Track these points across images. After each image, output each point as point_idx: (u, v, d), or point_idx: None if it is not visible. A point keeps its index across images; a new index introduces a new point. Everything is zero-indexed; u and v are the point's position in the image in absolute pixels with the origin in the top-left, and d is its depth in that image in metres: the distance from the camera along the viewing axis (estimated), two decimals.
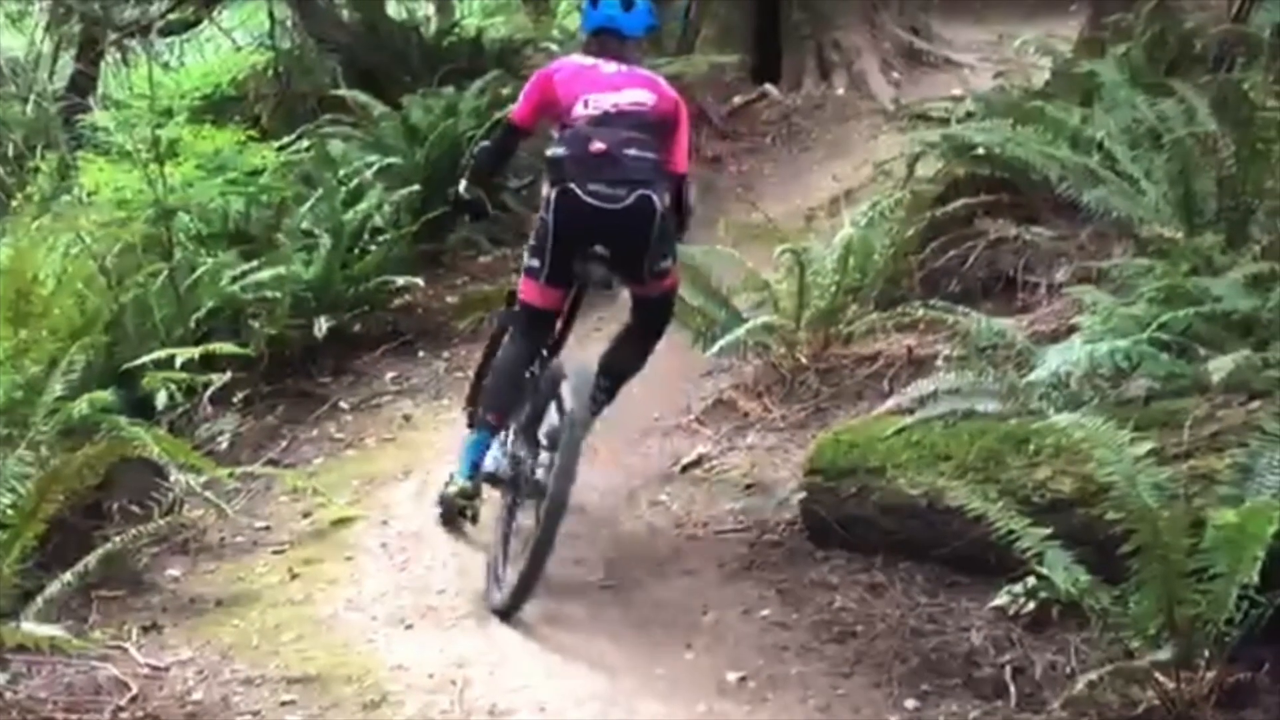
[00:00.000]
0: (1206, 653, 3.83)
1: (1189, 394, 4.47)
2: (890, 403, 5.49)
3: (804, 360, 6.51)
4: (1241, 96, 6.46)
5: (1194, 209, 5.95)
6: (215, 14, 13.41)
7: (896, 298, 6.63)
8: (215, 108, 9.31)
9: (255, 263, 7.58)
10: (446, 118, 9.37)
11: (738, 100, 11.05)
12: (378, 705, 4.49)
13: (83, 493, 5.33)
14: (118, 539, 5.24)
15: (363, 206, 8.27)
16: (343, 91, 10.29)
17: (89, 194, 8.33)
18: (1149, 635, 3.85)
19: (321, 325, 7.47)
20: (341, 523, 6.01)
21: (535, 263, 5.27)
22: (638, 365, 5.60)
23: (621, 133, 5.15)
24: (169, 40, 13.08)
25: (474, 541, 5.52)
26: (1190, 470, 4.08)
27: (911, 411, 5.06)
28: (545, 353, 5.46)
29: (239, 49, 12.18)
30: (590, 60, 5.46)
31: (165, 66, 11.21)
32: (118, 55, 12.67)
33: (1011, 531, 4.00)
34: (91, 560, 4.93)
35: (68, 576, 4.83)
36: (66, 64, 13.06)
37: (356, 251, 8.07)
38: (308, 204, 8.34)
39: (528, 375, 5.41)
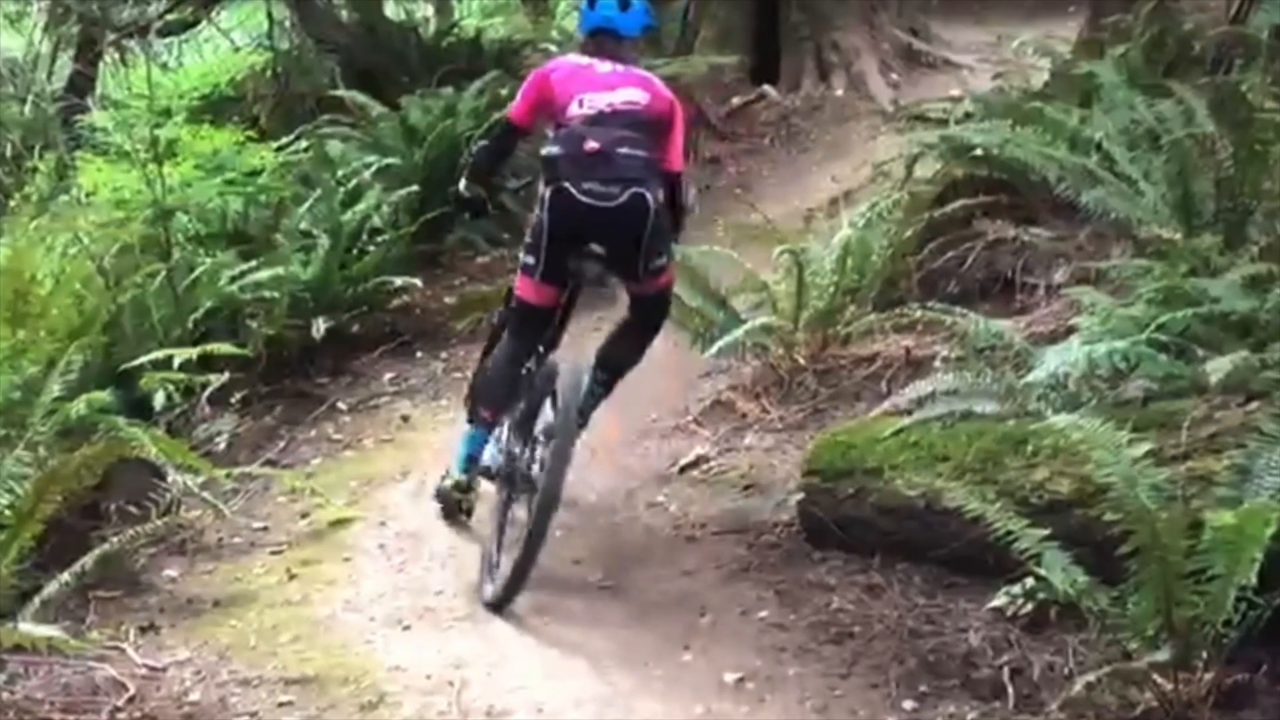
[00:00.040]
0: (1204, 654, 3.83)
1: (1187, 395, 4.47)
2: (888, 404, 5.50)
3: (802, 361, 6.51)
4: (1240, 98, 6.46)
5: (1192, 210, 5.95)
6: (213, 14, 13.43)
7: (895, 299, 6.64)
8: (214, 108, 9.29)
9: (253, 263, 7.58)
10: (445, 118, 9.38)
11: (736, 101, 11.06)
12: (375, 706, 4.49)
13: (80, 493, 5.31)
14: (115, 539, 5.22)
15: (361, 207, 8.27)
16: (341, 92, 10.30)
17: (87, 194, 8.33)
18: (1147, 636, 3.84)
19: (320, 326, 7.47)
20: (339, 523, 6.00)
21: (530, 260, 5.31)
22: (634, 360, 5.64)
23: (615, 132, 5.18)
24: (167, 41, 13.07)
25: (472, 542, 5.51)
26: (1188, 471, 4.08)
27: (909, 412, 5.06)
28: (541, 349, 5.48)
29: (237, 49, 12.17)
30: (587, 60, 5.49)
31: (164, 67, 11.17)
32: (116, 55, 12.65)
33: (1009, 532, 4.00)
34: (89, 561, 4.91)
35: (65, 577, 4.81)
36: (65, 64, 13.05)
37: (355, 252, 8.08)
38: (306, 204, 8.34)
39: (523, 372, 5.45)
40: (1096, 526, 3.99)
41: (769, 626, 4.78)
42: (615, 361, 5.62)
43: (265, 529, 6.07)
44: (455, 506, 5.59)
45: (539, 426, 5.25)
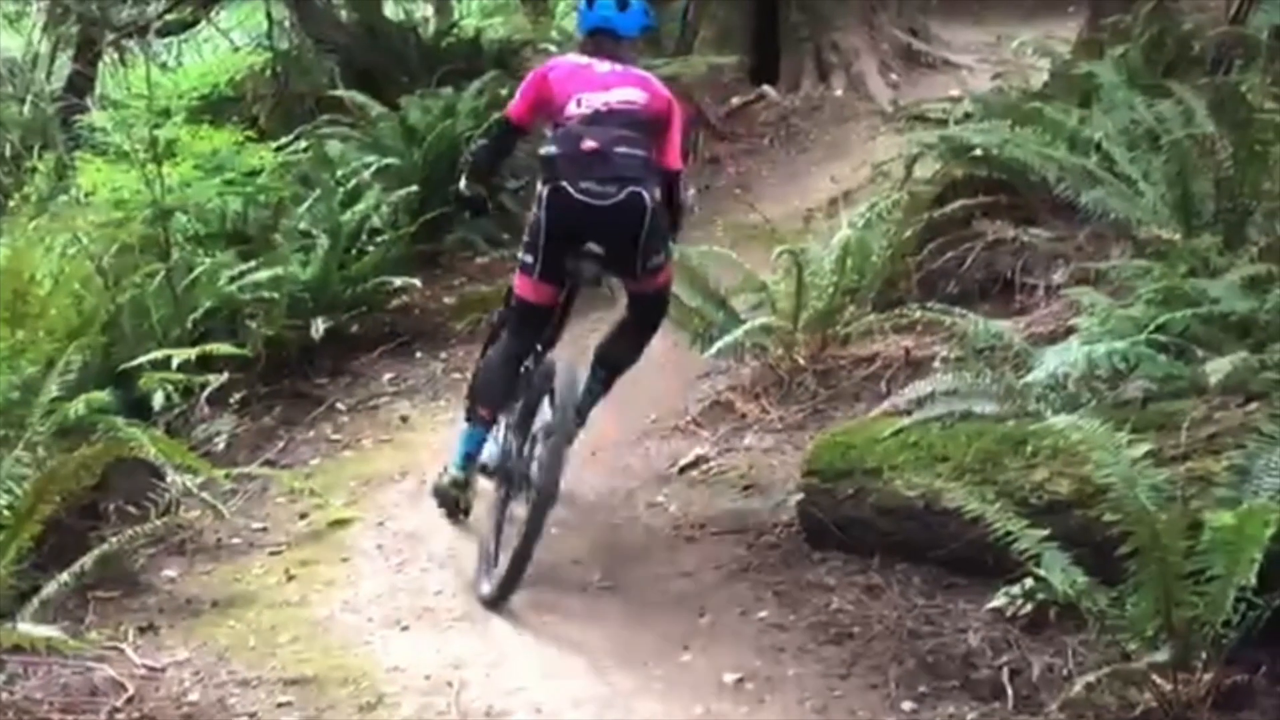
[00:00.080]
0: (1204, 655, 3.83)
1: (1186, 396, 4.47)
2: (887, 404, 5.50)
3: (801, 361, 6.51)
4: (1239, 98, 6.46)
5: (1192, 210, 5.95)
6: (213, 14, 13.42)
7: (894, 299, 6.64)
8: (213, 108, 9.28)
9: (253, 263, 7.58)
10: (444, 118, 9.38)
11: (736, 101, 11.06)
12: (374, 707, 4.49)
13: (79, 493, 5.31)
14: (114, 540, 5.22)
15: (360, 207, 8.27)
16: (340, 92, 10.30)
17: (86, 194, 8.33)
18: (1146, 637, 3.84)
19: (319, 326, 7.47)
20: (338, 524, 6.00)
21: (529, 259, 5.33)
22: (633, 358, 5.66)
23: (613, 131, 5.20)
24: (167, 41, 13.07)
25: (470, 542, 5.50)
26: (1187, 472, 4.08)
27: (909, 413, 5.06)
28: (540, 348, 5.50)
29: (237, 49, 12.16)
30: (585, 60, 5.51)
31: (163, 67, 11.17)
32: (115, 55, 12.64)
33: (1009, 533, 4.00)
34: (88, 561, 4.90)
35: (64, 577, 4.81)
36: (64, 64, 13.05)
37: (354, 252, 8.08)
38: (305, 204, 8.34)
39: (522, 370, 5.47)
40: (1096, 527, 3.98)
41: (768, 627, 4.77)
42: (614, 360, 5.64)
43: (264, 529, 6.07)
44: (453, 504, 5.60)
45: (537, 424, 5.27)
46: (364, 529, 5.94)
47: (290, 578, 5.56)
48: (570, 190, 5.13)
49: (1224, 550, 3.69)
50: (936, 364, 5.94)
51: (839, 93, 10.95)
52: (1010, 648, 4.32)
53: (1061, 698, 3.93)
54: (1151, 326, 4.70)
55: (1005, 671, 4.23)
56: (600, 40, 5.57)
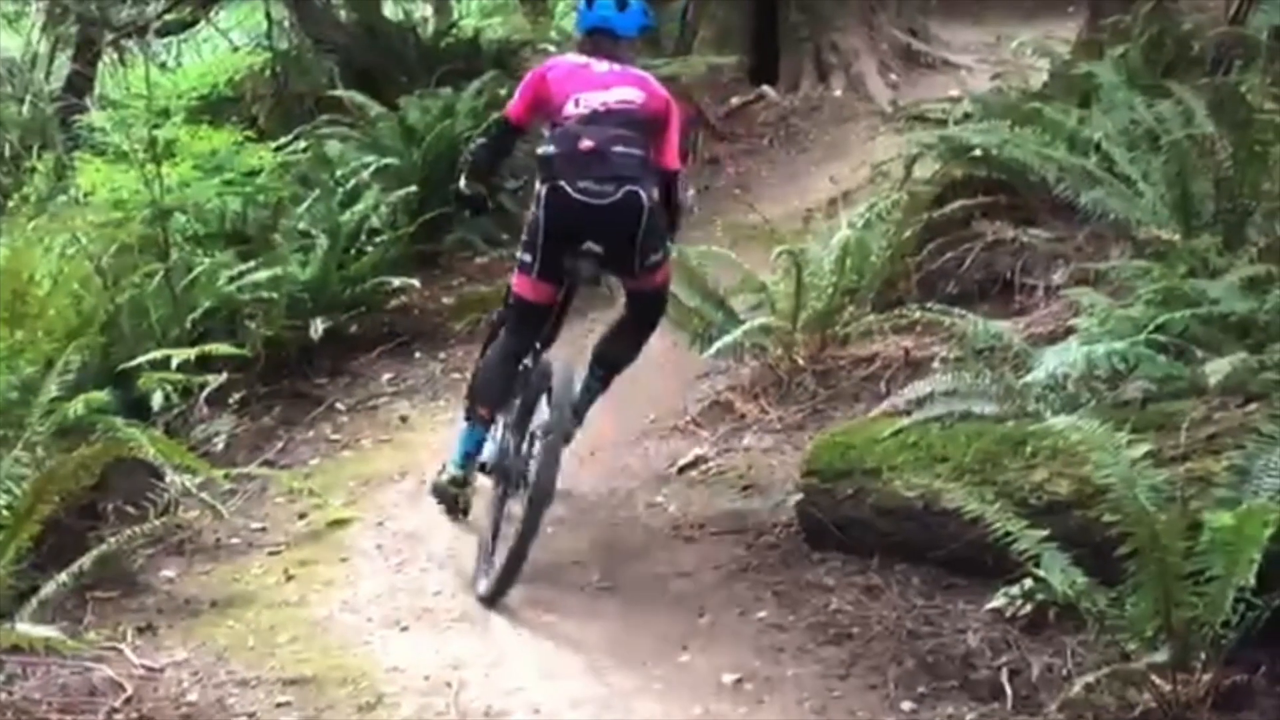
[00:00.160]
0: (1203, 655, 3.82)
1: (1186, 396, 4.46)
2: (887, 404, 5.49)
3: (801, 362, 6.51)
4: (1239, 98, 6.46)
5: (1191, 211, 5.94)
6: (212, 14, 13.42)
7: (893, 299, 6.64)
8: (212, 108, 9.29)
9: (252, 263, 7.58)
10: (444, 118, 9.37)
11: (735, 101, 11.06)
12: (373, 707, 4.49)
13: (78, 493, 5.31)
14: (113, 540, 5.22)
15: (359, 207, 8.27)
16: (340, 92, 10.29)
17: (85, 194, 8.34)
18: (1146, 637, 3.84)
19: (318, 326, 7.47)
20: (337, 524, 6.01)
21: (527, 258, 5.35)
22: (631, 357, 5.68)
23: (610, 130, 5.22)
24: (166, 41, 13.07)
25: (470, 543, 5.50)
26: (1187, 473, 4.08)
27: (908, 413, 5.06)
28: (538, 347, 5.51)
29: (236, 49, 12.15)
30: (583, 59, 5.52)
31: (162, 67, 11.20)
32: (115, 55, 12.64)
33: (1008, 533, 3.99)
34: (86, 561, 4.91)
35: (63, 577, 4.82)
36: (63, 64, 13.04)
37: (353, 252, 8.08)
38: (304, 204, 8.35)
39: (520, 369, 5.48)
40: (1095, 527, 3.98)
41: (767, 627, 4.77)
42: (612, 358, 5.66)
43: (263, 529, 6.07)
44: (452, 502, 5.61)
45: (535, 423, 5.29)
46: (363, 529, 5.94)
47: (289, 578, 5.56)
48: (568, 190, 5.15)
49: (1223, 551, 3.69)
50: (936, 364, 5.93)
51: (838, 93, 10.95)
52: (1009, 648, 4.31)
53: (1061, 698, 3.93)
54: (1151, 327, 4.70)
55: (1004, 672, 4.23)
56: (599, 40, 5.58)
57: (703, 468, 6.08)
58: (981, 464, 4.61)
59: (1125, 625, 3.88)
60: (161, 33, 12.63)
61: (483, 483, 5.56)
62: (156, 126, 7.73)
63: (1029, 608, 4.30)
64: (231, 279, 7.47)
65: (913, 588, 4.77)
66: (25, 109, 11.51)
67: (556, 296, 5.46)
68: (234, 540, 5.99)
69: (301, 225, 8.15)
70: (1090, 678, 3.82)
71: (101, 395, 5.85)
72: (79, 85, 12.59)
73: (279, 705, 4.56)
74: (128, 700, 4.57)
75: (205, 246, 8.01)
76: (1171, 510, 3.82)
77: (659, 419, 6.59)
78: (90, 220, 7.62)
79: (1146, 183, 6.20)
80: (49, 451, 5.40)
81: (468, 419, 5.55)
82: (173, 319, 7.17)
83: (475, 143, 6.19)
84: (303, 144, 9.11)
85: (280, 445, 6.96)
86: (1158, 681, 3.85)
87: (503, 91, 9.03)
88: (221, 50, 12.72)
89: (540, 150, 5.31)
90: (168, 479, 5.86)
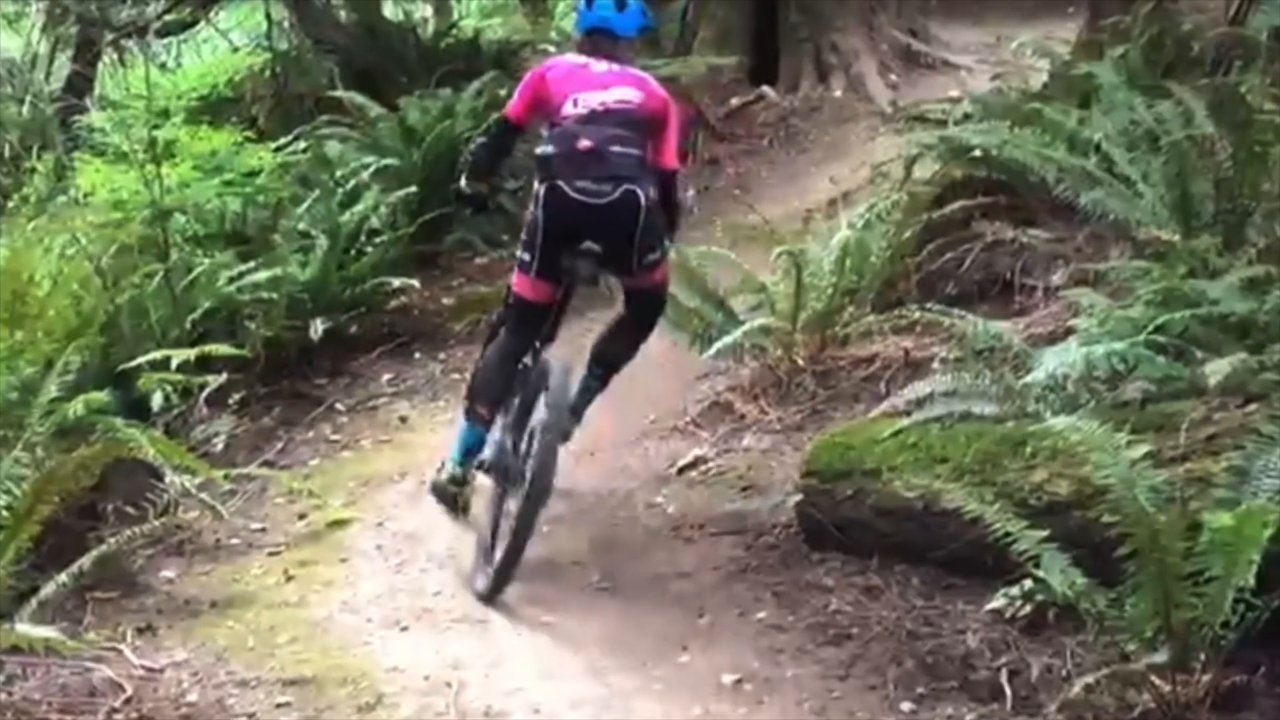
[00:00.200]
0: (1202, 656, 3.82)
1: (1185, 397, 4.46)
2: (886, 405, 5.49)
3: (800, 362, 6.51)
4: (1239, 99, 6.46)
5: (1191, 211, 5.94)
6: (212, 15, 13.42)
7: (893, 300, 6.64)
8: (212, 109, 9.29)
9: (252, 264, 7.58)
10: (443, 119, 9.37)
11: (735, 102, 11.06)
12: (373, 707, 4.49)
13: (78, 494, 5.32)
14: (113, 540, 5.23)
15: (359, 208, 8.27)
16: (340, 93, 10.29)
17: (85, 195, 8.34)
18: (1145, 638, 3.84)
19: (318, 327, 7.47)
20: (337, 524, 6.01)
21: (526, 257, 5.39)
22: (629, 355, 5.72)
23: (608, 130, 5.26)
24: (166, 41, 13.07)
25: (470, 543, 5.50)
26: (1186, 473, 4.07)
27: (908, 414, 5.06)
28: (537, 345, 5.54)
29: (236, 50, 12.16)
30: (583, 60, 5.56)
31: (162, 67, 11.20)
32: (114, 56, 12.65)
33: (1008, 534, 3.99)
34: (86, 561, 4.91)
35: (62, 578, 4.82)
36: (63, 65, 13.05)
37: (353, 253, 8.08)
38: (304, 205, 8.35)
39: (519, 367, 5.51)
40: (1095, 528, 3.98)
41: (767, 628, 4.77)
42: (611, 357, 5.70)
43: (263, 530, 6.07)
44: (452, 500, 5.63)
45: (533, 421, 5.30)
46: (363, 529, 5.94)
47: (289, 578, 5.56)
48: (566, 189, 5.19)
49: (1222, 551, 3.69)
50: (935, 365, 5.93)
51: (838, 93, 10.95)
52: (1009, 649, 4.31)
53: (1060, 699, 3.93)
54: (1150, 327, 4.70)
55: (1004, 672, 4.23)
56: (598, 40, 5.61)
57: (702, 468, 6.08)
58: (981, 464, 4.61)
59: (1125, 626, 3.88)
60: (161, 33, 12.62)
61: (483, 481, 5.57)
62: (156, 127, 7.73)
63: (1028, 608, 4.30)
64: (231, 279, 7.47)
65: (912, 588, 4.77)
66: (25, 109, 11.51)
67: (555, 295, 5.48)
68: (234, 541, 5.99)
69: (301, 226, 8.15)
70: (1090, 678, 3.83)
71: (101, 396, 5.85)
72: (79, 86, 12.59)
73: (279, 706, 4.56)
74: (127, 701, 4.57)
75: (205, 247, 8.01)
76: (1171, 511, 3.82)
77: (659, 419, 6.59)
78: (90, 221, 7.62)
79: (1146, 183, 6.20)
80: (49, 452, 5.40)
81: (467, 417, 5.57)
82: (172, 319, 7.17)
83: (475, 142, 6.23)
84: (302, 144, 9.11)
85: (280, 446, 6.96)
86: (1157, 682, 3.85)
87: (502, 92, 9.02)
88: (221, 51, 12.73)
89: (539, 150, 5.34)
90: (167, 479, 5.86)
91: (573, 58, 5.63)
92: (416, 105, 9.63)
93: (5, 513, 4.79)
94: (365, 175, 8.67)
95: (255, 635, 5.08)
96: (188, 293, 7.32)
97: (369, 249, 8.14)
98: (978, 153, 7.12)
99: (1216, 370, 4.27)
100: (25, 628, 4.50)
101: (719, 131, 10.70)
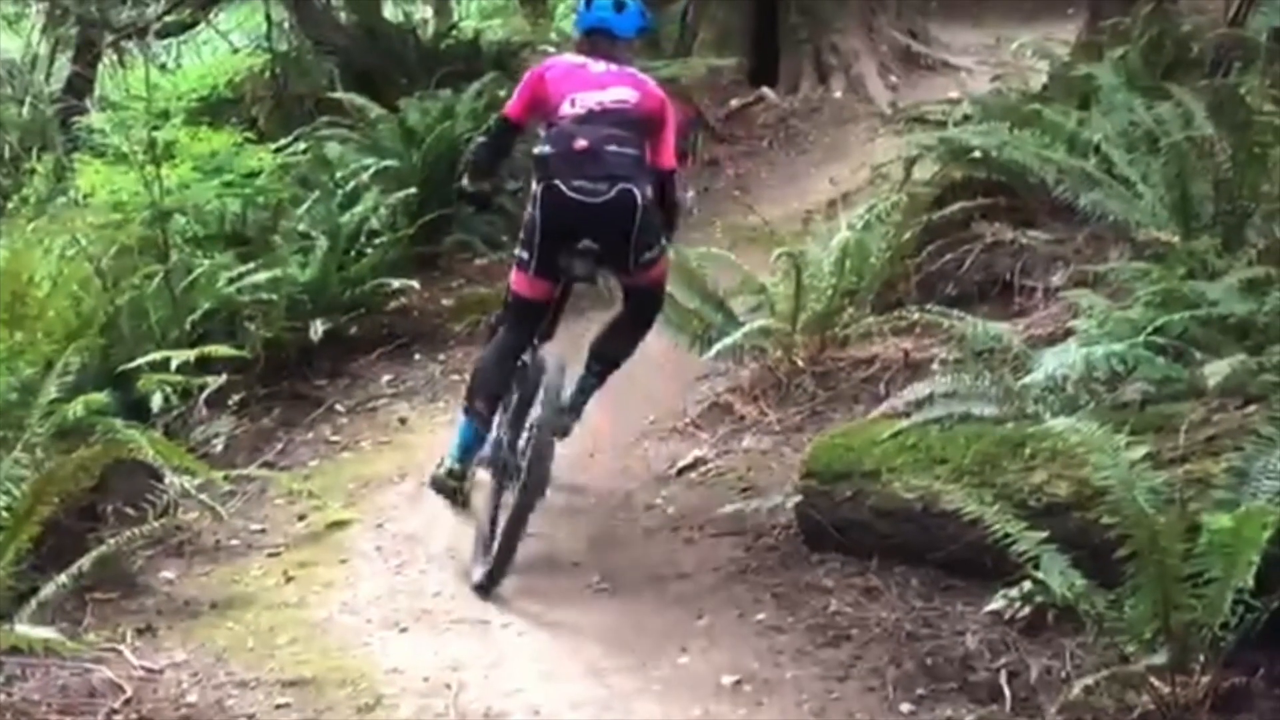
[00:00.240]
0: (1202, 657, 3.82)
1: (1185, 398, 4.46)
2: (886, 406, 5.49)
3: (800, 363, 6.51)
4: (1238, 100, 6.46)
5: (1190, 213, 5.94)
6: (212, 16, 13.41)
7: (893, 301, 6.64)
8: (212, 110, 9.31)
9: (251, 265, 7.58)
10: (443, 120, 9.37)
11: (735, 103, 11.06)
12: (372, 708, 4.49)
13: (77, 495, 5.32)
14: (112, 541, 5.23)
15: (359, 209, 8.27)
16: (339, 94, 10.27)
17: (85, 196, 8.34)
18: (1144, 640, 3.84)
19: (317, 328, 7.47)
20: (337, 525, 6.00)
21: (524, 255, 5.45)
22: (628, 353, 5.77)
23: (604, 130, 5.30)
24: (166, 42, 13.05)
25: (469, 545, 5.50)
26: (1186, 474, 4.07)
27: (907, 415, 5.05)
28: (536, 342, 5.59)
29: (236, 51, 12.16)
30: (581, 60, 5.60)
31: (162, 68, 11.20)
32: (114, 57, 12.64)
33: (1007, 535, 3.99)
34: (86, 562, 4.91)
35: (62, 578, 4.82)
36: (63, 66, 13.05)
37: (353, 254, 8.07)
38: (304, 206, 8.35)
39: (518, 364, 5.55)
40: (1094, 529, 3.98)
41: (766, 629, 4.77)
42: (609, 354, 5.75)
43: (262, 531, 6.07)
44: (451, 494, 5.65)
45: (532, 417, 5.33)
46: (362, 530, 5.94)
47: (289, 579, 5.56)
48: (563, 188, 5.24)
49: (1222, 553, 3.69)
50: (935, 366, 5.93)
51: (838, 94, 10.95)
52: (1008, 650, 4.31)
53: (1060, 700, 3.93)
54: (1150, 329, 4.70)
55: (1003, 674, 4.22)
56: (596, 40, 5.65)
57: (702, 469, 6.08)
58: (980, 466, 4.61)
59: (1124, 627, 3.88)
60: (161, 34, 12.61)
61: (483, 476, 5.59)
62: (156, 128, 7.74)
63: (1028, 610, 4.30)
64: (231, 280, 7.47)
65: (912, 589, 4.77)
66: (25, 110, 11.53)
67: (553, 293, 5.54)
68: (233, 542, 5.99)
69: (301, 227, 8.15)
70: (1089, 680, 3.82)
71: (101, 397, 5.85)
72: (79, 87, 12.59)
73: (278, 707, 4.56)
74: (127, 702, 4.57)
75: (205, 248, 8.00)
76: (1170, 512, 3.82)
77: (658, 420, 6.59)
78: (90, 222, 7.63)
79: (1146, 184, 6.20)
80: (48, 453, 5.40)
81: (465, 413, 5.60)
82: (172, 320, 7.16)
83: (475, 142, 6.27)
84: (302, 146, 9.10)
85: (280, 447, 6.96)
86: (1156, 684, 3.85)
87: (502, 93, 8.99)
88: (221, 52, 12.74)
89: (536, 150, 5.39)
90: (167, 481, 5.86)
91: (571, 58, 5.67)
92: (416, 106, 9.63)
93: (5, 513, 4.79)
94: (365, 176, 8.67)
95: (255, 636, 5.08)
96: (187, 294, 7.32)
97: (369, 250, 8.13)
98: (977, 154, 7.13)
99: (1216, 372, 4.27)
100: (25, 628, 4.50)
101: (719, 133, 10.71)
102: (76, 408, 5.66)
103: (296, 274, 7.66)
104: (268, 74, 11.33)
